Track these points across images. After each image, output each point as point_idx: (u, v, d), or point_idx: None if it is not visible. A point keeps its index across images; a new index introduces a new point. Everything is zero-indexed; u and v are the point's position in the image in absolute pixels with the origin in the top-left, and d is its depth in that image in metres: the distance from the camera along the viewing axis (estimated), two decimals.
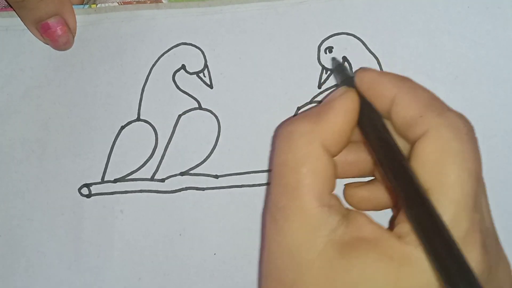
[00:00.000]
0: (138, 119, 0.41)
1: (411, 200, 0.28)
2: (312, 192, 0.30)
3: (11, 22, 0.42)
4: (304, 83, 0.41)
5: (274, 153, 0.32)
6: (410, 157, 0.30)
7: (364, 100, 0.33)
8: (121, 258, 0.40)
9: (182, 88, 0.41)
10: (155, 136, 0.41)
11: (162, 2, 0.41)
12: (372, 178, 0.37)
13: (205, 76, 0.41)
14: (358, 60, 0.41)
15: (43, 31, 0.41)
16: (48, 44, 0.42)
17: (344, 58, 0.41)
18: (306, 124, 0.31)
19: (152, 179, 0.40)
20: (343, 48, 0.41)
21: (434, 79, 0.40)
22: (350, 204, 0.37)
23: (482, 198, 0.30)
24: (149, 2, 0.41)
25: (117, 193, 0.40)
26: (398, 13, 0.41)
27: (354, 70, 0.41)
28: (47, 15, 0.40)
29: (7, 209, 0.41)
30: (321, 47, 0.41)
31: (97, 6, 0.42)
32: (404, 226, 0.29)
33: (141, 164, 0.41)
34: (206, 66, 0.41)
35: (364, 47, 0.41)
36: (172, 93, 0.41)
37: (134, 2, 0.41)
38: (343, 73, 0.36)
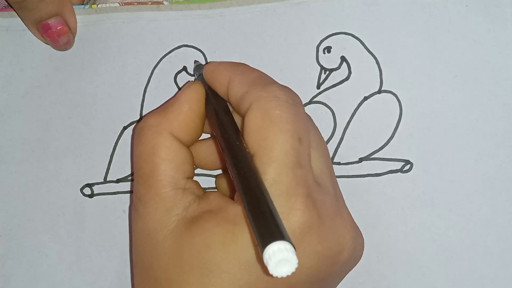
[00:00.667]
0: (140, 120, 0.41)
1: (234, 164, 0.30)
2: (165, 178, 0.32)
3: (12, 22, 0.42)
4: (303, 83, 0.41)
5: (132, 149, 0.35)
6: (242, 131, 0.32)
7: (210, 88, 0.35)
8: (123, 258, 0.40)
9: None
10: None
11: (163, 4, 0.41)
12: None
13: None
14: (357, 59, 0.41)
15: (43, 31, 0.41)
16: (48, 44, 0.42)
17: (343, 58, 0.41)
18: (154, 118, 0.34)
19: None
20: (341, 48, 0.41)
21: (433, 78, 0.40)
22: (195, 164, 0.38)
23: (315, 159, 0.32)
24: (150, 3, 0.41)
25: (119, 193, 0.41)
26: (396, 13, 0.41)
27: (352, 70, 0.41)
28: (47, 15, 0.40)
29: (8, 209, 0.41)
30: (320, 47, 0.41)
31: (98, 7, 0.42)
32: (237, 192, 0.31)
33: None
34: None
35: (362, 47, 0.41)
36: (174, 94, 0.41)
37: (135, 3, 0.41)
38: (199, 71, 0.38)
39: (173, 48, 0.41)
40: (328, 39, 0.41)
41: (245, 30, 0.41)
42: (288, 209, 0.29)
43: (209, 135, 0.39)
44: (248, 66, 0.35)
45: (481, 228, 0.39)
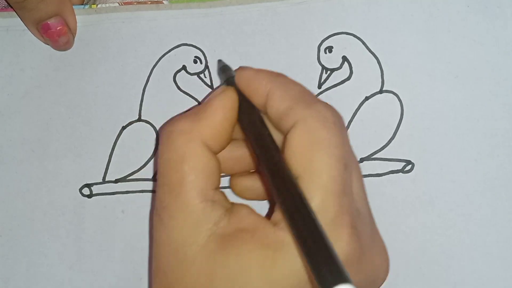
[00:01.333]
0: (139, 119, 0.41)
1: (280, 187, 0.29)
2: (194, 188, 0.31)
3: (12, 22, 0.42)
4: (304, 83, 0.40)
5: (159, 153, 0.33)
6: (283, 148, 0.31)
7: (243, 97, 0.34)
8: (123, 258, 0.40)
9: (183, 88, 0.41)
10: (156, 137, 0.41)
11: (163, 3, 0.41)
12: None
13: (205, 77, 0.41)
14: (358, 59, 0.41)
15: (43, 31, 0.41)
16: (48, 45, 0.42)
17: (344, 58, 0.41)
18: (185, 123, 0.32)
19: (153, 179, 0.40)
20: (342, 48, 0.41)
21: (434, 78, 0.40)
22: (235, 193, 0.37)
23: (354, 182, 0.31)
24: (149, 2, 0.41)
25: (118, 193, 0.41)
26: (397, 12, 0.41)
27: (353, 70, 0.41)
28: (47, 15, 0.40)
29: (8, 209, 0.41)
30: (321, 47, 0.41)
31: (98, 7, 0.42)
32: (278, 214, 0.30)
33: (142, 164, 0.41)
34: (206, 67, 0.41)
35: (363, 47, 0.41)
36: (173, 94, 0.41)
37: (135, 3, 0.41)
38: (226, 73, 0.37)
39: (172, 47, 0.41)
40: (329, 39, 0.41)
41: (245, 29, 0.41)
42: (334, 240, 0.27)
43: None
44: (289, 78, 0.34)
45: (481, 228, 0.38)
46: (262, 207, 0.39)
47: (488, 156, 0.39)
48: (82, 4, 0.43)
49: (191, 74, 0.41)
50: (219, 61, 0.40)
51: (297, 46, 0.41)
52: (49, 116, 0.42)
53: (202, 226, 0.30)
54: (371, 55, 0.41)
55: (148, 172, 0.41)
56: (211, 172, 0.32)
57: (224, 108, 0.33)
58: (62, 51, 0.42)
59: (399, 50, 0.41)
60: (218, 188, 0.32)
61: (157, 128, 0.41)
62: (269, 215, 0.33)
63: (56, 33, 0.41)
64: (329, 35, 0.41)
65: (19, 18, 0.42)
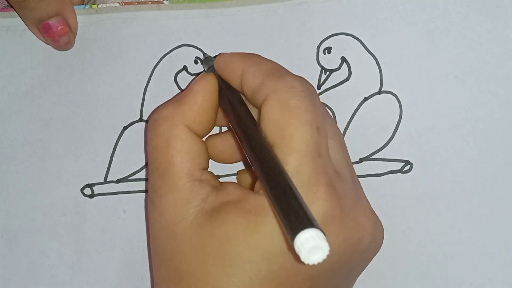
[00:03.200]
0: (141, 119, 0.41)
1: (256, 155, 0.30)
2: (182, 170, 0.33)
3: (12, 22, 0.42)
4: None
5: (147, 141, 0.35)
6: (259, 122, 0.32)
7: (222, 80, 0.35)
8: (124, 258, 0.40)
9: (184, 89, 0.41)
10: None
11: (164, 3, 0.41)
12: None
13: None
14: (357, 60, 0.41)
15: (44, 31, 0.41)
16: (49, 44, 0.42)
17: (343, 59, 0.41)
18: (168, 109, 0.34)
19: None
20: (341, 49, 0.41)
21: (433, 78, 0.40)
22: (212, 158, 0.38)
23: (332, 148, 0.33)
24: (150, 2, 0.41)
25: (120, 193, 0.41)
26: (397, 13, 0.41)
27: (352, 71, 0.41)
28: (48, 15, 0.40)
29: (8, 210, 0.41)
30: (320, 48, 0.41)
31: (98, 7, 0.42)
32: (259, 183, 0.32)
33: (144, 164, 0.41)
34: None
35: (362, 47, 0.41)
36: (174, 94, 0.41)
37: (136, 3, 0.41)
38: (209, 63, 0.38)
39: (173, 47, 0.42)
40: (329, 39, 0.41)
41: (245, 30, 0.42)
42: (310, 198, 0.29)
43: (218, 129, 0.39)
44: (262, 56, 0.35)
45: (481, 228, 0.39)
46: None
47: (487, 157, 0.39)
48: (83, 4, 0.43)
49: (192, 75, 0.41)
50: (204, 54, 0.41)
51: (297, 47, 0.41)
52: (50, 116, 0.42)
53: (190, 203, 0.32)
54: (370, 55, 0.41)
55: None
56: (196, 153, 0.33)
57: (203, 91, 0.34)
58: (62, 51, 0.42)
59: (398, 51, 0.41)
60: (206, 168, 0.34)
61: None
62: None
63: (57, 33, 0.41)
64: (328, 36, 0.41)
65: (19, 18, 0.41)
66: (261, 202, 0.30)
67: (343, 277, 0.33)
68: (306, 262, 0.24)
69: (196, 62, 0.41)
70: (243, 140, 0.32)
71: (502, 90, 0.40)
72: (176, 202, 0.32)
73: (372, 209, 0.34)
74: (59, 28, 0.41)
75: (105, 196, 0.41)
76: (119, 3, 0.42)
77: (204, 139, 0.36)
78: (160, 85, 0.41)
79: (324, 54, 0.41)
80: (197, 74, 0.41)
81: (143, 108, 0.41)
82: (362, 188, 0.35)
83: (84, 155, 0.41)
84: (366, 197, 0.34)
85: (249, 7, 0.41)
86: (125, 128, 0.41)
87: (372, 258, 0.35)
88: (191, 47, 0.41)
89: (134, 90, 0.41)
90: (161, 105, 0.35)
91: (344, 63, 0.41)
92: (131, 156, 0.41)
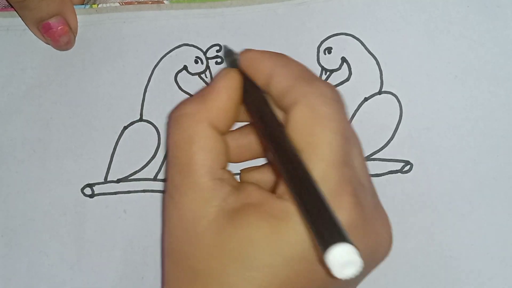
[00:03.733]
0: (141, 119, 0.41)
1: (282, 159, 0.30)
2: (203, 167, 0.32)
3: (12, 22, 0.42)
4: None
5: (168, 137, 0.34)
6: (286, 125, 0.32)
7: (247, 78, 0.35)
8: (124, 258, 0.40)
9: (184, 88, 0.41)
10: (158, 136, 0.41)
11: (164, 3, 0.41)
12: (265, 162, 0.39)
13: (206, 77, 0.41)
14: (357, 60, 0.41)
15: (44, 31, 0.41)
16: (49, 44, 0.42)
17: (343, 59, 0.41)
18: (192, 106, 0.33)
19: (155, 179, 0.41)
20: (342, 49, 0.41)
21: (433, 78, 0.40)
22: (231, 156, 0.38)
23: (355, 157, 0.32)
24: (150, 2, 0.41)
25: (120, 193, 0.41)
26: (397, 13, 0.41)
27: (352, 71, 0.41)
28: (48, 15, 0.40)
29: (8, 209, 0.41)
30: (320, 48, 0.41)
31: (98, 6, 0.42)
32: (283, 187, 0.31)
33: (144, 164, 0.41)
34: (207, 67, 0.41)
35: (363, 48, 0.41)
36: (174, 94, 0.41)
37: (136, 3, 0.41)
38: (231, 57, 0.38)
39: (173, 47, 0.42)
40: (329, 40, 0.41)
41: (245, 30, 0.42)
42: (335, 208, 0.28)
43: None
44: (291, 58, 0.35)
45: (481, 228, 0.39)
46: None
47: (487, 157, 0.39)
48: (83, 4, 0.43)
49: (192, 74, 0.41)
50: (224, 46, 0.41)
51: (297, 47, 0.41)
52: (50, 116, 0.42)
53: (211, 202, 0.31)
54: (370, 56, 0.41)
55: (150, 172, 0.41)
56: (218, 151, 0.33)
57: (228, 89, 0.34)
58: (63, 51, 0.42)
59: (398, 51, 0.41)
60: (225, 167, 0.34)
61: (159, 128, 0.41)
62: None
63: (57, 33, 0.41)
64: (329, 36, 0.41)
65: (19, 18, 0.42)
66: (285, 207, 0.30)
67: (355, 284, 0.33)
68: (338, 276, 0.24)
69: (196, 62, 0.41)
70: (271, 143, 0.31)
71: (502, 90, 0.40)
72: (196, 200, 0.32)
73: (388, 219, 0.34)
74: (59, 28, 0.41)
75: (105, 196, 0.41)
76: (119, 3, 0.42)
77: None
78: (161, 85, 0.41)
79: (325, 54, 0.41)
80: (198, 74, 0.41)
81: (143, 108, 0.41)
82: (378, 197, 0.34)
83: (84, 155, 0.41)
84: (382, 205, 0.34)
85: (249, 7, 0.42)
86: (125, 128, 0.41)
87: (375, 267, 0.35)
88: (192, 47, 0.42)
89: (134, 90, 0.41)
90: (184, 101, 0.35)
91: (344, 63, 0.41)
92: (131, 156, 0.41)
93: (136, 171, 0.41)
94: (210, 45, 0.42)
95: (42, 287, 0.40)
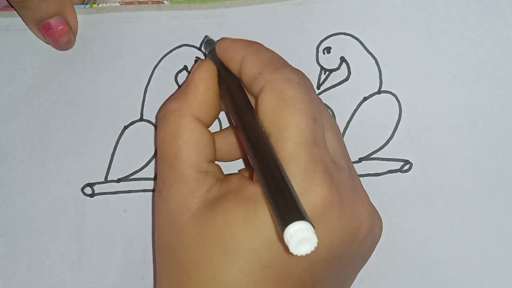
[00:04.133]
0: (141, 119, 0.41)
1: (250, 143, 0.31)
2: (189, 160, 0.33)
3: (12, 22, 0.42)
4: None
5: (156, 136, 0.36)
6: (256, 111, 0.33)
7: (222, 65, 0.36)
8: (124, 257, 0.40)
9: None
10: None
11: (164, 3, 0.41)
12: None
13: None
14: (356, 60, 0.41)
15: (44, 31, 0.41)
16: (49, 44, 0.42)
17: (342, 59, 0.41)
18: (175, 102, 0.34)
19: (155, 178, 0.41)
20: (341, 48, 0.41)
21: (433, 78, 0.40)
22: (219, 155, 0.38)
23: (328, 138, 0.33)
24: (150, 2, 0.41)
25: (120, 193, 0.41)
26: (396, 13, 0.41)
27: (351, 70, 0.41)
28: (48, 15, 0.40)
29: (9, 209, 0.41)
30: (320, 48, 0.41)
31: (99, 6, 0.42)
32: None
33: (144, 163, 0.41)
34: None
35: (362, 47, 0.41)
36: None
37: (136, 3, 0.41)
38: (209, 47, 0.39)
39: (173, 47, 0.42)
40: (328, 39, 0.41)
41: (245, 31, 0.42)
42: (308, 184, 0.29)
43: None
44: (262, 45, 0.36)
45: (481, 228, 0.39)
46: None
47: (487, 156, 0.39)
48: (83, 4, 0.43)
49: None
50: (206, 36, 0.41)
51: (296, 46, 0.41)
52: (50, 115, 0.42)
53: (195, 194, 0.32)
54: (369, 55, 0.41)
55: (150, 171, 0.41)
56: (204, 145, 0.34)
57: (204, 79, 0.35)
58: (63, 51, 0.42)
59: (397, 51, 0.41)
60: (212, 161, 0.35)
61: None
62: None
63: (57, 33, 0.41)
64: (328, 36, 0.41)
65: (20, 18, 0.42)
66: (259, 189, 0.31)
67: (343, 267, 0.33)
68: (294, 253, 0.25)
69: (196, 62, 0.41)
70: (239, 126, 0.32)
71: (501, 90, 0.40)
72: (181, 192, 0.32)
73: (370, 200, 0.34)
74: (59, 27, 0.41)
75: (106, 195, 0.41)
76: (119, 2, 0.42)
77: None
78: (161, 85, 0.41)
79: (324, 54, 0.41)
80: None
81: (144, 108, 0.41)
82: (359, 179, 0.35)
83: (85, 155, 0.41)
84: (363, 188, 0.34)
85: (249, 7, 0.42)
86: (125, 127, 0.41)
87: (371, 251, 0.35)
88: (192, 47, 0.42)
89: (134, 90, 0.41)
90: (167, 99, 0.36)
91: (344, 63, 0.41)
92: (132, 156, 0.41)
93: (136, 170, 0.41)
94: None
95: (42, 286, 0.40)
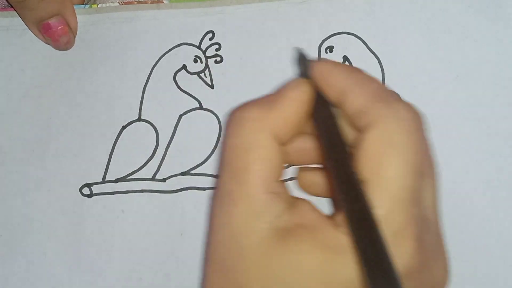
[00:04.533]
0: (139, 119, 0.41)
1: (344, 189, 0.28)
2: (259, 178, 0.30)
3: (12, 22, 0.42)
4: None
5: (225, 138, 0.32)
6: (356, 148, 0.30)
7: (318, 91, 0.33)
8: (122, 258, 0.40)
9: (183, 88, 0.41)
10: (156, 136, 0.41)
11: (163, 3, 0.41)
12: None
13: (206, 76, 0.41)
14: (359, 59, 0.41)
15: (44, 31, 0.41)
16: (49, 44, 0.42)
17: (345, 58, 0.41)
18: (257, 111, 0.31)
19: (153, 179, 0.40)
20: (343, 48, 0.41)
21: (434, 78, 0.40)
22: (299, 186, 0.37)
23: (426, 192, 0.30)
24: (150, 2, 0.41)
25: (118, 193, 0.41)
26: (398, 13, 0.41)
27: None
28: (48, 15, 0.40)
29: (7, 209, 0.41)
30: (322, 47, 0.41)
31: (98, 6, 0.42)
32: (341, 216, 0.29)
33: (142, 164, 0.41)
34: (207, 66, 0.41)
35: (364, 47, 0.41)
36: (173, 93, 0.41)
37: (135, 2, 0.41)
38: (303, 64, 0.36)
39: (172, 46, 0.41)
40: (330, 38, 0.41)
41: (246, 29, 0.41)
42: (395, 250, 0.27)
43: None
44: (366, 74, 0.32)
45: (482, 229, 0.38)
46: (324, 203, 0.38)
47: (490, 157, 0.39)
48: (83, 4, 0.43)
49: (192, 74, 0.41)
50: (298, 49, 0.39)
51: (298, 45, 0.41)
52: (49, 116, 0.42)
53: (263, 218, 0.30)
54: (372, 55, 0.41)
55: (148, 171, 0.41)
56: (276, 164, 0.31)
57: (298, 101, 0.32)
58: (62, 51, 0.42)
59: (400, 50, 0.40)
60: (280, 180, 0.32)
61: (157, 128, 0.41)
62: (331, 214, 0.32)
63: (57, 33, 0.41)
64: (330, 35, 0.41)
65: (19, 18, 0.42)
66: (343, 241, 0.28)
67: None
68: None
69: (195, 61, 0.41)
70: (334, 169, 0.29)
71: (503, 90, 0.39)
72: (247, 213, 0.30)
73: (448, 259, 0.32)
74: (59, 28, 0.41)
75: (104, 195, 0.41)
76: (119, 2, 0.42)
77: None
78: (159, 84, 0.41)
79: (326, 53, 0.41)
80: (197, 73, 0.41)
81: (142, 108, 0.41)
82: (442, 232, 0.32)
83: (83, 155, 0.41)
84: (443, 240, 0.32)
85: (249, 5, 0.41)
86: (123, 127, 0.41)
87: None
88: (191, 46, 0.41)
89: (133, 90, 0.41)
90: (249, 103, 0.33)
91: (346, 62, 0.41)
92: (130, 156, 0.41)
93: (134, 171, 0.41)
94: (209, 44, 0.41)
95: (40, 286, 0.40)
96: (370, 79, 0.32)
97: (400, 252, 0.27)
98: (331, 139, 0.30)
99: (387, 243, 0.26)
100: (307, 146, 0.35)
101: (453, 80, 0.40)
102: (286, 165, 0.34)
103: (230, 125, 0.32)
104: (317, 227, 0.29)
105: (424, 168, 0.29)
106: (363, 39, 0.41)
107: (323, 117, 0.32)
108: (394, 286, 0.24)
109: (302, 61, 0.36)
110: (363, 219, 0.26)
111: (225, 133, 0.33)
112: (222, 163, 0.32)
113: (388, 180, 0.28)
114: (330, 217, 0.30)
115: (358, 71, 0.32)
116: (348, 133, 0.31)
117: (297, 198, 0.32)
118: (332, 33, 0.41)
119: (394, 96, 0.31)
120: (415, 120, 0.30)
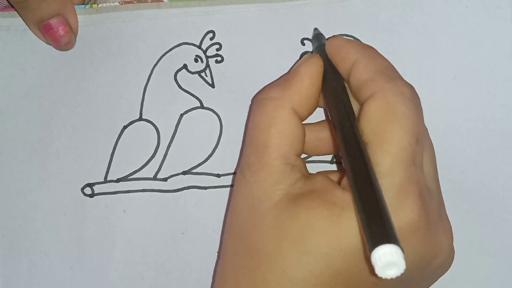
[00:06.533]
0: (140, 118, 0.41)
1: (347, 150, 0.30)
2: (278, 150, 0.33)
3: (13, 22, 0.42)
4: None
5: (250, 118, 0.35)
6: (358, 116, 0.32)
7: (329, 63, 0.35)
8: (124, 257, 0.40)
9: (184, 87, 0.41)
10: (157, 136, 0.41)
11: (163, 2, 0.41)
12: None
13: (206, 76, 0.41)
14: None
15: (45, 31, 0.41)
16: (50, 44, 0.42)
17: None
18: (276, 90, 0.34)
19: (154, 178, 0.41)
20: None
21: (433, 79, 0.40)
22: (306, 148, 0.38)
23: (425, 161, 0.32)
24: (150, 1, 0.41)
25: (119, 193, 0.41)
26: (397, 14, 0.41)
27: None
28: (49, 15, 0.40)
29: (9, 209, 0.41)
30: None
31: (99, 6, 0.42)
32: (346, 179, 0.32)
33: (144, 163, 0.41)
34: (207, 65, 0.41)
35: None
36: (174, 93, 0.41)
37: (135, 2, 0.41)
38: (318, 41, 0.39)
39: (173, 46, 0.41)
40: None
41: (246, 28, 0.41)
42: (399, 203, 0.29)
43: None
44: (377, 52, 0.35)
45: (481, 228, 0.39)
46: None
47: (487, 157, 0.39)
48: (83, 4, 0.43)
49: (192, 73, 0.41)
50: (315, 29, 0.41)
51: (298, 47, 0.41)
52: (50, 116, 0.42)
53: (279, 185, 0.32)
54: None
55: (149, 171, 0.41)
56: (295, 138, 0.33)
57: (311, 74, 0.34)
58: (63, 51, 0.42)
59: (397, 52, 0.40)
60: (300, 155, 0.34)
61: (158, 127, 0.41)
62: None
63: (58, 33, 0.41)
64: (330, 37, 0.41)
65: (20, 18, 0.41)
66: (348, 198, 0.30)
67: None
68: (379, 275, 0.25)
69: (196, 61, 0.41)
70: (339, 131, 0.32)
71: (501, 91, 0.39)
72: (266, 181, 0.32)
73: (451, 230, 0.34)
74: (60, 28, 0.41)
75: (105, 195, 0.41)
76: (119, 2, 0.42)
77: None
78: (160, 84, 0.41)
79: None
80: (198, 73, 0.41)
81: (143, 107, 0.41)
82: (445, 206, 0.34)
83: (84, 155, 0.41)
84: (446, 213, 0.34)
85: (249, 5, 0.41)
86: (125, 127, 0.41)
87: (436, 279, 0.35)
88: (191, 46, 0.41)
89: (134, 89, 0.41)
90: (267, 86, 0.36)
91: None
92: (131, 155, 0.41)
93: (136, 170, 0.41)
94: (210, 44, 0.41)
95: (42, 286, 0.40)
96: (380, 56, 0.34)
97: (403, 206, 0.29)
98: (338, 105, 0.33)
99: (385, 202, 0.27)
100: (323, 135, 0.37)
101: (451, 81, 0.40)
102: (304, 155, 0.36)
103: (254, 106, 0.35)
104: (326, 189, 0.31)
105: (421, 137, 0.31)
106: (362, 40, 0.41)
107: (333, 86, 0.34)
108: (389, 239, 0.25)
109: (318, 38, 0.39)
110: (361, 176, 0.28)
111: (250, 115, 0.36)
112: (245, 140, 0.35)
113: (388, 141, 0.30)
114: (338, 184, 0.33)
115: (369, 47, 0.35)
116: (354, 106, 0.33)
117: (313, 173, 0.34)
118: (331, 35, 0.41)
119: (397, 74, 0.33)
120: (416, 98, 0.32)
